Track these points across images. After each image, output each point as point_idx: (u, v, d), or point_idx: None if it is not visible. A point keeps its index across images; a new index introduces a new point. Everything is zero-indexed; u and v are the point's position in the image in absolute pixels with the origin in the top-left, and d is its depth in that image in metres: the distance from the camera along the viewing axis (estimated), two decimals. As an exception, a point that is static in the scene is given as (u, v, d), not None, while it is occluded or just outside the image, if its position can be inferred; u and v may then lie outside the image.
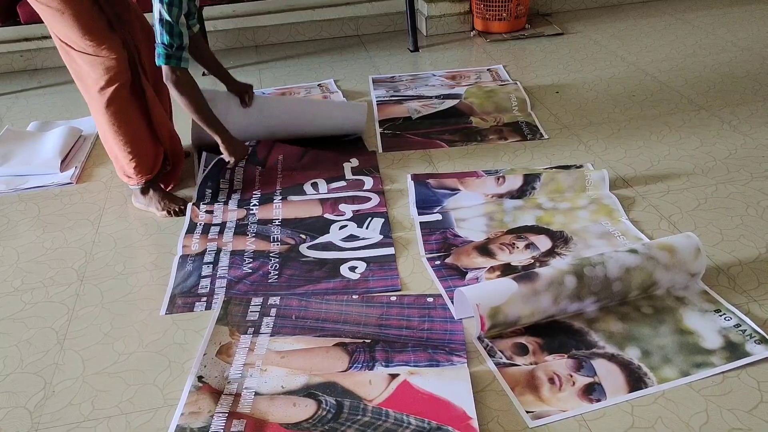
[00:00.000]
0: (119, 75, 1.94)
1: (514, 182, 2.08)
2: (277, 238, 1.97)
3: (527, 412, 1.34)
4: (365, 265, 1.83)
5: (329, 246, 1.92)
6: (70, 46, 1.91)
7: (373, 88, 2.96)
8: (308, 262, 1.86)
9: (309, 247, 1.92)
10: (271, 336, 1.58)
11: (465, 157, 2.35)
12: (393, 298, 1.69)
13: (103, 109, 1.97)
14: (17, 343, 1.62)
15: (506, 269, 1.74)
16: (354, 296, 1.70)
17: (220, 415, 1.36)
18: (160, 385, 1.47)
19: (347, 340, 1.55)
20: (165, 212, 2.11)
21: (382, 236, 1.94)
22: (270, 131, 2.43)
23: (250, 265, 1.85)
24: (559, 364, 1.45)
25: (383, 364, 1.48)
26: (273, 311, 1.66)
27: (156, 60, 1.92)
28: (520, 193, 2.06)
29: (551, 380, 1.41)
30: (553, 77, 2.96)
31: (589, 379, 1.40)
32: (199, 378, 1.46)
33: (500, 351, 1.49)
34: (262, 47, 3.67)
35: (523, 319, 1.53)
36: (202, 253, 1.92)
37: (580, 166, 2.21)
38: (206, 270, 1.85)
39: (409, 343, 1.53)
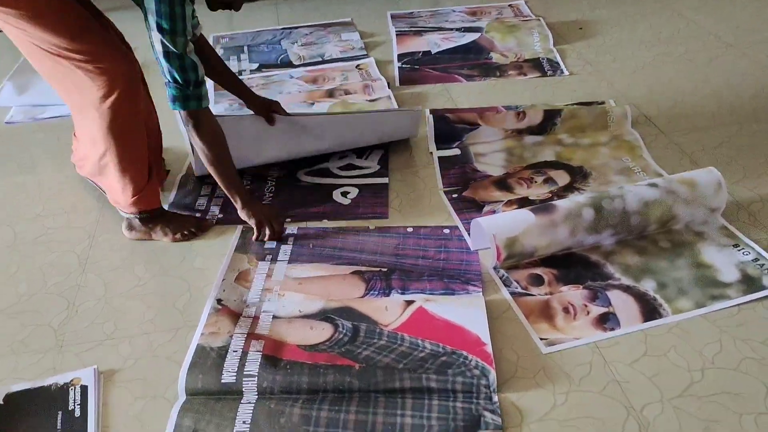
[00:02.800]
0: (124, 81, 1.52)
1: (535, 117, 2.05)
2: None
3: (541, 339, 1.35)
4: (357, 191, 1.85)
5: (326, 172, 1.94)
6: (59, 55, 1.46)
7: (392, 24, 2.90)
8: (303, 186, 1.88)
9: (306, 173, 1.93)
10: (288, 263, 1.60)
11: (484, 92, 2.32)
12: (409, 229, 1.69)
13: (107, 127, 1.55)
14: (41, 266, 1.65)
15: (524, 203, 1.74)
16: (370, 227, 1.71)
17: (239, 335, 1.39)
18: (180, 307, 1.50)
19: (363, 269, 1.57)
20: (178, 235, 1.71)
21: (379, 166, 1.95)
22: (311, 153, 1.96)
23: (248, 187, 1.88)
24: (574, 294, 1.46)
25: (399, 291, 1.49)
26: (290, 240, 1.68)
27: (170, 104, 1.49)
28: (540, 129, 2.03)
29: (566, 309, 1.42)
30: (576, 13, 2.89)
31: (604, 309, 1.41)
32: (218, 301, 1.49)
33: (516, 281, 1.50)
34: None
35: (540, 251, 1.53)
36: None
37: (602, 103, 2.17)
38: (204, 190, 1.90)
39: (425, 273, 1.54)
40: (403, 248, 1.63)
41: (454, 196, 1.80)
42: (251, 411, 1.23)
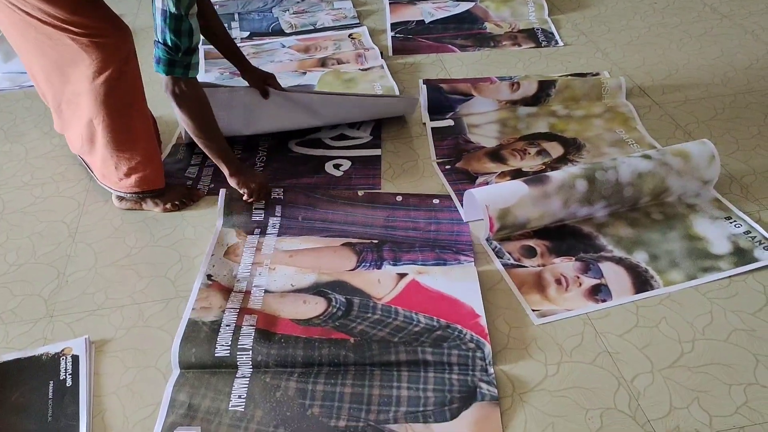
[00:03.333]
0: (120, 56, 1.47)
1: (529, 88, 2.03)
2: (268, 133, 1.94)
3: (533, 310, 1.36)
4: (350, 163, 1.84)
5: (317, 143, 1.92)
6: (54, 26, 1.39)
7: (386, -9, 2.86)
8: (295, 157, 1.87)
9: (297, 144, 1.92)
10: (277, 236, 1.59)
11: (477, 62, 2.29)
12: (399, 198, 1.69)
13: (101, 102, 1.48)
14: (29, 235, 1.64)
15: (517, 174, 1.73)
16: (359, 193, 1.71)
17: (231, 310, 1.37)
18: (171, 277, 1.49)
19: (354, 241, 1.56)
20: (168, 206, 1.69)
21: (371, 137, 1.93)
22: (303, 127, 1.91)
23: (239, 156, 1.86)
24: (566, 266, 1.46)
25: (391, 263, 1.49)
26: (278, 209, 1.66)
27: (154, 65, 1.41)
28: (534, 100, 2.02)
29: (558, 281, 1.42)
30: (572, -17, 2.85)
31: (596, 281, 1.41)
32: (209, 276, 1.47)
33: (508, 252, 1.50)
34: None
35: (533, 222, 1.52)
36: (194, 143, 1.90)
37: (597, 74, 2.15)
38: (195, 159, 1.88)
39: (416, 244, 1.54)
40: (393, 220, 1.63)
41: (447, 167, 1.79)
42: (246, 385, 1.23)
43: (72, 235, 1.63)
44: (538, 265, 1.47)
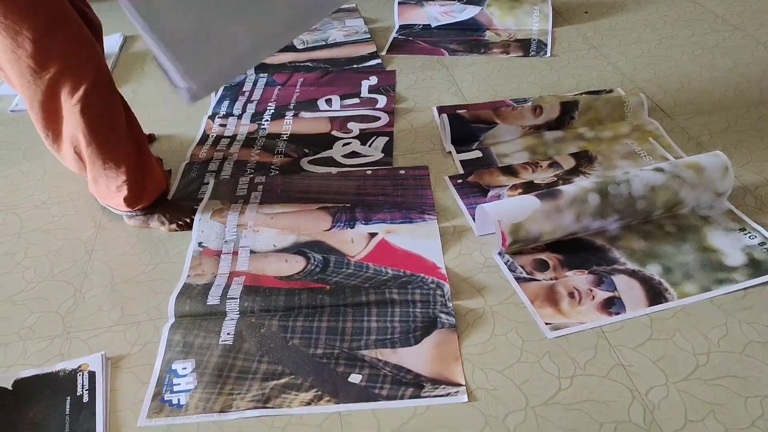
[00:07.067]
0: (90, 76, 1.45)
1: (552, 112, 1.98)
2: (281, 151, 1.99)
3: (546, 323, 1.35)
4: None
5: (330, 161, 1.94)
6: (14, 28, 1.35)
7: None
8: (306, 175, 1.90)
9: (310, 162, 1.94)
10: (259, 204, 1.75)
11: (469, 67, 2.31)
12: (368, 172, 1.86)
13: (79, 114, 1.48)
14: (47, 253, 1.66)
15: (529, 187, 1.73)
16: (333, 171, 1.87)
17: (222, 275, 1.53)
18: (186, 293, 1.50)
19: (329, 205, 1.72)
20: (174, 226, 1.70)
21: (383, 154, 1.94)
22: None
23: (251, 175, 1.88)
24: (579, 279, 1.46)
25: (363, 222, 1.66)
26: (260, 187, 1.82)
27: None
28: (558, 123, 1.98)
29: (571, 294, 1.42)
30: (582, -4, 2.87)
31: (609, 294, 1.41)
32: (199, 244, 1.63)
33: (521, 266, 1.50)
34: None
35: (545, 236, 1.53)
36: (208, 161, 1.96)
37: (611, 91, 2.15)
38: (208, 178, 1.89)
39: (385, 206, 1.71)
40: (364, 188, 1.79)
41: (459, 181, 1.80)
42: (234, 325, 1.40)
43: (89, 253, 1.65)
44: (551, 279, 1.46)
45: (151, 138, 2.07)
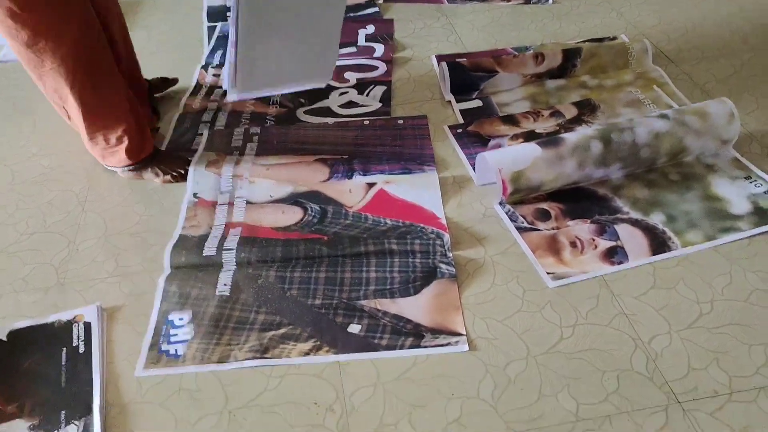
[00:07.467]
0: (73, 31, 1.41)
1: (554, 60, 1.92)
2: (277, 101, 1.95)
3: (548, 273, 1.33)
4: None
5: (326, 111, 1.89)
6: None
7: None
8: (302, 126, 1.86)
9: (305, 112, 1.90)
10: (255, 156, 1.72)
11: (468, 15, 2.25)
12: (366, 122, 1.81)
13: (71, 69, 1.45)
14: (39, 205, 1.63)
15: (530, 136, 1.69)
16: (329, 122, 1.83)
17: (218, 226, 1.50)
18: (181, 245, 1.48)
19: (327, 156, 1.69)
20: (168, 177, 1.66)
21: (381, 104, 1.90)
22: None
23: (246, 125, 1.84)
24: (581, 228, 1.43)
25: (361, 173, 1.62)
26: (255, 138, 1.78)
27: None
28: (560, 71, 1.93)
29: (573, 244, 1.40)
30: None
31: (612, 243, 1.39)
32: (194, 194, 1.60)
33: (522, 216, 1.47)
34: None
35: (547, 185, 1.50)
36: (201, 112, 1.92)
37: (614, 38, 2.09)
38: (202, 128, 1.85)
39: (383, 156, 1.67)
40: (362, 138, 1.75)
41: (459, 130, 1.76)
42: (231, 276, 1.37)
43: (81, 204, 1.62)
44: (553, 228, 1.44)
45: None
